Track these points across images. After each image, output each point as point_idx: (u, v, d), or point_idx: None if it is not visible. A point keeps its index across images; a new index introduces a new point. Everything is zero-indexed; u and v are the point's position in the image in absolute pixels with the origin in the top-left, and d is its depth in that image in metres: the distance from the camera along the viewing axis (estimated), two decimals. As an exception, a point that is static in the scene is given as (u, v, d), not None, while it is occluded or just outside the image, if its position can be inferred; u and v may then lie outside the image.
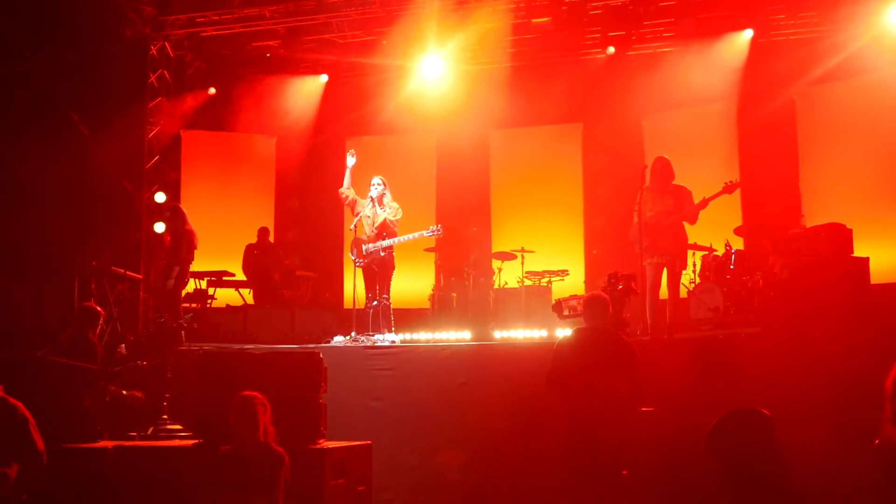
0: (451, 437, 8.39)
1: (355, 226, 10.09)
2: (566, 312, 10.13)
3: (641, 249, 9.01)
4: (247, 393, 5.72)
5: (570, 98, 13.29)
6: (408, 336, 10.43)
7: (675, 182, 9.25)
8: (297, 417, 6.60)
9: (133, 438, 7.91)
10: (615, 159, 13.10)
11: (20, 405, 5.88)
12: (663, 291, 9.17)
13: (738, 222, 11.60)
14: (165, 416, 8.44)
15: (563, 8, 12.73)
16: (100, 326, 8.55)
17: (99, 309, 8.58)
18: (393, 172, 10.71)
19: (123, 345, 10.02)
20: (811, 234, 8.90)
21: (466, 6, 12.58)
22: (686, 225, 9.21)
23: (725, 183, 9.07)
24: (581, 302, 8.12)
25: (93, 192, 12.75)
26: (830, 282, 8.09)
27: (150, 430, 8.24)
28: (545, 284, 11.75)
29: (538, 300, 11.35)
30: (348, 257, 10.49)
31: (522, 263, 11.73)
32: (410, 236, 10.07)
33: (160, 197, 13.25)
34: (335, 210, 13.96)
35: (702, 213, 9.08)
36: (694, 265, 10.66)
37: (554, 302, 10.66)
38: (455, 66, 13.77)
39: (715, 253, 10.57)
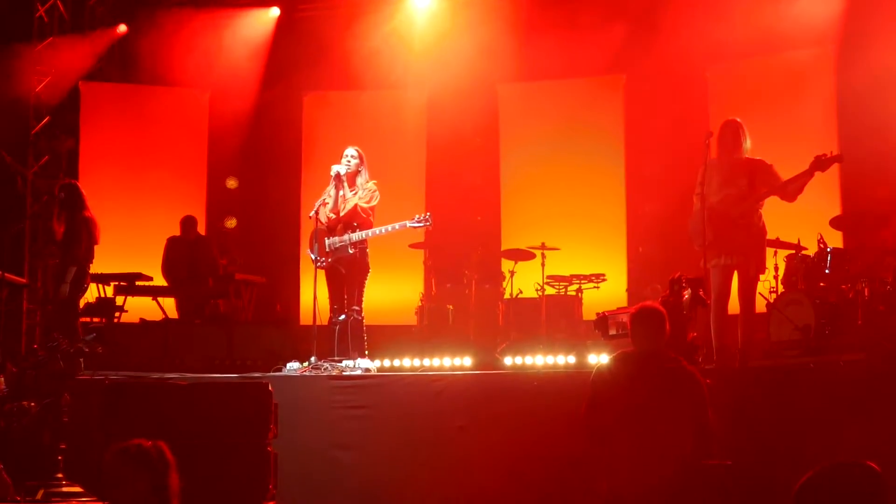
0: (444, 501, 8.38)
1: (316, 212, 10.06)
2: (613, 332, 10.08)
3: (704, 247, 8.99)
4: (131, 444, 5.52)
5: (609, 42, 13.29)
6: (387, 363, 10.46)
7: (750, 155, 9.23)
8: (238, 471, 6.58)
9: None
10: (669, 124, 13.09)
11: None
12: (734, 304, 9.16)
13: (836, 211, 11.62)
14: (60, 475, 8.37)
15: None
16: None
17: None
18: (368, 141, 10.70)
19: (2, 377, 9.97)
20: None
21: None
22: (765, 216, 9.15)
23: (816, 156, 8.99)
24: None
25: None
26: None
27: (41, 493, 8.17)
28: (574, 293, 11.78)
29: (564, 314, 11.39)
30: (306, 255, 10.48)
31: (543, 265, 11.75)
32: (390, 227, 10.04)
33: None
34: (289, 192, 13.97)
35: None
36: (776, 268, 10.66)
37: (596, 317, 10.59)
38: (453, -3, 13.82)
39: (804, 252, 10.56)
